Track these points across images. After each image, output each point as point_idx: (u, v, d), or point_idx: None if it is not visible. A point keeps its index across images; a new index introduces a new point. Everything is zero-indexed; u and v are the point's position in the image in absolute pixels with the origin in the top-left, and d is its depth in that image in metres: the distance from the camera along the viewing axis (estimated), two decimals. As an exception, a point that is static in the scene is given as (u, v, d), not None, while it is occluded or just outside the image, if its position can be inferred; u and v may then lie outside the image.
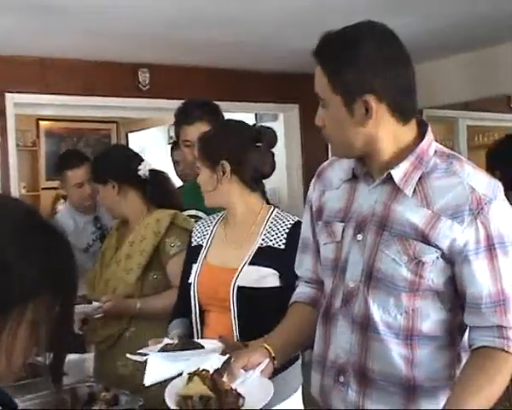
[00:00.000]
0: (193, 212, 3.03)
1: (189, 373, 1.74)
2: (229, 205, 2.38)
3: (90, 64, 5.90)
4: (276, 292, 2.21)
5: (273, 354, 1.81)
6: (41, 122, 8.35)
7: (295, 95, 6.89)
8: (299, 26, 5.21)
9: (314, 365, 1.84)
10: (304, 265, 1.98)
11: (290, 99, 6.99)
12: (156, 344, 2.12)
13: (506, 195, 1.66)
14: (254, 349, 1.84)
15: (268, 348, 1.82)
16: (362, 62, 1.61)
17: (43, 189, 8.21)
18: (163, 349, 2.04)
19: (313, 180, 1.95)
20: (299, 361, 2.38)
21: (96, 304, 2.74)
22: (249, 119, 6.13)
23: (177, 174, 4.36)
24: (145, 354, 2.06)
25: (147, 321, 2.80)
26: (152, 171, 2.93)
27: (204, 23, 4.96)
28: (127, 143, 8.94)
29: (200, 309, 2.35)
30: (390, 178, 1.67)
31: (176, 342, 2.08)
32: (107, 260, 2.95)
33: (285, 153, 7.12)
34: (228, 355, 1.82)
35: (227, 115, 6.59)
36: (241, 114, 6.11)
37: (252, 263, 2.25)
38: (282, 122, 7.21)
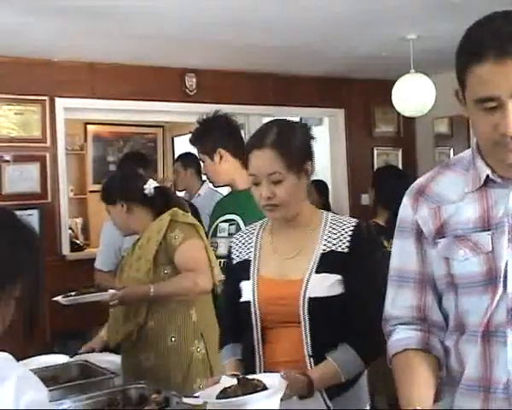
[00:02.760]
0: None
1: None
2: (297, 211, 2.19)
3: (137, 69, 5.97)
4: (342, 299, 2.09)
5: None
6: (89, 126, 8.45)
7: (341, 99, 6.87)
8: (345, 32, 5.20)
9: (468, 391, 1.63)
10: (401, 302, 1.74)
11: (336, 104, 6.98)
12: (213, 384, 1.97)
13: None
14: None
15: None
16: None
17: (91, 192, 8.31)
18: (222, 394, 1.86)
19: (409, 202, 1.74)
20: (364, 381, 2.22)
21: (111, 291, 2.84)
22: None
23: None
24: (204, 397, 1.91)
25: (166, 314, 2.94)
26: (157, 188, 3.13)
27: (250, 28, 4.98)
28: (173, 147, 9.00)
29: (261, 327, 2.17)
30: None
31: (234, 383, 1.89)
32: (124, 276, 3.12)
33: (330, 157, 7.11)
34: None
35: (270, 120, 6.58)
36: (286, 118, 6.10)
37: (318, 271, 2.10)
38: (328, 126, 7.19)
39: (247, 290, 2.18)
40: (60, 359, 2.94)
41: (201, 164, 3.46)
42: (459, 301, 1.65)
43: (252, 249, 2.25)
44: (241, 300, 2.20)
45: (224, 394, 1.84)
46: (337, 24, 4.98)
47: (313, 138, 2.23)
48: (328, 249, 2.13)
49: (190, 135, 3.45)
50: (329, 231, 2.16)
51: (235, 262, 2.28)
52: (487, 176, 1.62)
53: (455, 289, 1.66)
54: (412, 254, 1.73)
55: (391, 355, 1.73)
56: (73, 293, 2.92)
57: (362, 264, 2.08)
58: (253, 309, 2.15)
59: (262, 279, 2.18)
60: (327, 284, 2.08)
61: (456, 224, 1.64)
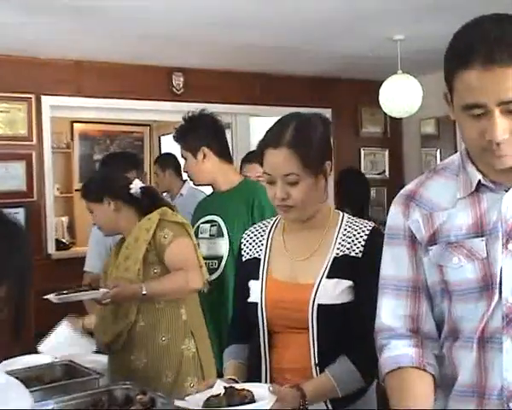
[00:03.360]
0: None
1: None
2: (313, 213, 2.10)
3: (124, 67, 5.96)
4: (352, 306, 1.99)
5: None
6: (75, 125, 8.42)
7: (328, 99, 6.87)
8: (332, 32, 5.20)
9: (461, 396, 1.61)
10: (394, 311, 1.69)
11: (323, 103, 6.97)
12: (206, 388, 1.88)
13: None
14: None
15: None
16: None
17: (77, 190, 8.26)
18: (207, 404, 1.77)
19: (400, 208, 1.70)
20: (373, 393, 2.13)
21: (103, 290, 2.82)
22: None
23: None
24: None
25: (156, 313, 2.92)
26: (142, 188, 3.09)
27: (238, 28, 4.98)
28: (160, 146, 8.98)
29: (268, 331, 2.07)
30: None
31: (221, 393, 1.81)
32: (109, 275, 3.07)
33: (317, 157, 7.11)
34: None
35: (259, 120, 6.58)
36: (274, 117, 6.10)
37: (329, 276, 1.99)
38: (315, 126, 7.18)
39: (256, 291, 2.09)
40: (44, 359, 2.93)
41: (183, 162, 3.44)
42: (453, 307, 1.63)
43: (262, 248, 2.15)
44: (249, 300, 2.11)
45: (209, 402, 1.77)
46: (324, 24, 4.98)
47: (331, 135, 2.15)
48: (342, 253, 2.02)
49: (174, 131, 3.44)
50: (344, 234, 2.06)
51: (244, 259, 2.19)
52: (479, 181, 1.60)
53: (449, 296, 1.63)
54: (405, 262, 1.69)
55: (384, 373, 1.67)
56: (65, 291, 2.87)
57: (374, 271, 1.88)
58: (259, 312, 2.05)
59: (271, 280, 2.08)
60: (338, 291, 1.98)
61: (449, 230, 1.61)
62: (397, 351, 1.65)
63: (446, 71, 1.54)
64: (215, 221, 3.28)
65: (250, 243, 2.20)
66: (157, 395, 2.18)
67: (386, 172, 7.49)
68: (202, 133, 3.33)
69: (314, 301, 1.97)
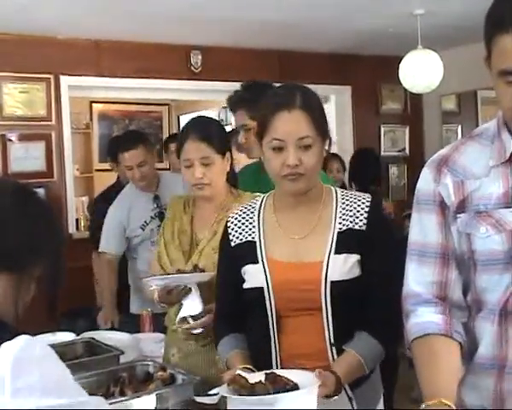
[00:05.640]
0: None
1: None
2: (313, 185, 2.02)
3: (142, 47, 5.93)
4: (360, 282, 1.93)
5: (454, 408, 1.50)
6: (94, 105, 8.45)
7: (348, 76, 6.82)
8: (352, 7, 5.15)
9: (481, 368, 1.60)
10: (422, 279, 1.66)
11: (342, 80, 6.92)
12: (235, 378, 1.74)
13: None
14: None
15: (451, 405, 1.48)
16: None
17: (97, 170, 8.30)
18: (252, 391, 1.67)
19: (431, 173, 1.67)
20: (378, 372, 2.10)
21: (210, 273, 2.36)
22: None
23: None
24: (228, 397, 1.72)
25: None
26: None
27: (256, 4, 4.94)
28: (178, 126, 8.99)
29: (276, 316, 1.97)
30: None
31: (260, 378, 1.71)
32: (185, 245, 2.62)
33: (336, 135, 7.07)
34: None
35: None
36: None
37: (337, 252, 1.93)
38: (334, 104, 7.14)
39: (257, 275, 1.98)
40: (66, 336, 2.95)
41: (241, 132, 3.10)
42: (477, 277, 1.61)
43: (255, 230, 2.04)
44: (248, 286, 2.01)
45: (251, 390, 1.67)
46: (345, 0, 4.93)
47: None
48: (345, 228, 1.96)
49: (242, 92, 3.20)
50: (343, 208, 1.99)
51: (234, 244, 2.07)
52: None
53: (474, 266, 1.61)
54: (434, 228, 1.65)
55: (410, 340, 1.66)
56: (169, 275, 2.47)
57: (381, 242, 1.92)
58: (267, 296, 1.95)
59: (273, 262, 1.98)
60: (347, 266, 1.92)
61: (479, 199, 1.58)
62: (424, 318, 1.63)
63: (485, 34, 1.52)
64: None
65: (239, 227, 2.08)
66: (177, 371, 2.19)
67: (407, 150, 7.42)
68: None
69: (326, 279, 1.91)
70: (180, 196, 2.77)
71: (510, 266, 1.53)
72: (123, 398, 2.05)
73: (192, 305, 2.36)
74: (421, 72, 5.59)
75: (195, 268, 2.43)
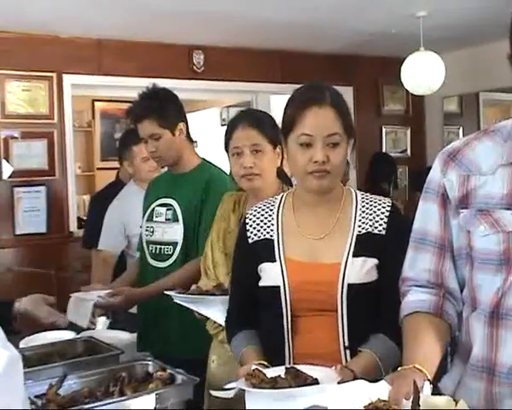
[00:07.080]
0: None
1: None
2: (336, 183, 2.02)
3: (145, 46, 5.94)
4: (377, 286, 1.93)
5: (429, 377, 1.51)
6: (96, 103, 8.44)
7: (349, 76, 6.82)
8: (354, 8, 5.15)
9: (473, 370, 1.60)
10: (419, 265, 1.70)
11: (344, 81, 6.91)
12: (251, 375, 1.72)
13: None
14: (410, 374, 1.49)
15: (423, 370, 1.50)
16: None
17: (98, 169, 8.31)
18: (274, 385, 1.66)
19: (440, 163, 1.69)
20: None
21: None
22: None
23: None
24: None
25: None
26: None
27: (259, 4, 4.94)
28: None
29: (291, 315, 1.97)
30: None
31: (280, 374, 1.70)
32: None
33: (338, 135, 7.06)
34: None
35: (279, 98, 6.55)
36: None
37: (355, 255, 1.92)
38: (336, 104, 7.12)
39: (273, 274, 1.98)
40: (66, 335, 2.95)
41: (152, 143, 3.07)
42: (473, 274, 1.62)
43: (273, 228, 2.03)
44: (263, 284, 2.01)
45: (273, 385, 1.66)
46: (346, 0, 4.93)
47: None
48: (364, 231, 1.96)
49: (138, 109, 3.10)
50: (363, 211, 1.99)
51: (252, 241, 2.06)
52: None
53: (471, 262, 1.62)
54: (435, 218, 1.68)
55: (401, 317, 1.69)
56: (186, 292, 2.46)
57: (399, 248, 1.86)
58: (283, 295, 1.95)
59: (290, 261, 1.97)
60: (365, 269, 1.92)
61: (482, 197, 1.59)
62: (416, 296, 1.68)
63: (510, 32, 1.53)
64: (170, 205, 3.06)
65: (257, 224, 2.07)
66: (176, 372, 2.19)
67: (408, 151, 7.42)
68: (178, 108, 3.10)
69: (344, 281, 1.90)
70: (232, 194, 2.65)
71: (503, 267, 1.53)
72: (122, 397, 2.05)
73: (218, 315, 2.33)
74: (423, 73, 5.60)
75: (218, 287, 2.38)
